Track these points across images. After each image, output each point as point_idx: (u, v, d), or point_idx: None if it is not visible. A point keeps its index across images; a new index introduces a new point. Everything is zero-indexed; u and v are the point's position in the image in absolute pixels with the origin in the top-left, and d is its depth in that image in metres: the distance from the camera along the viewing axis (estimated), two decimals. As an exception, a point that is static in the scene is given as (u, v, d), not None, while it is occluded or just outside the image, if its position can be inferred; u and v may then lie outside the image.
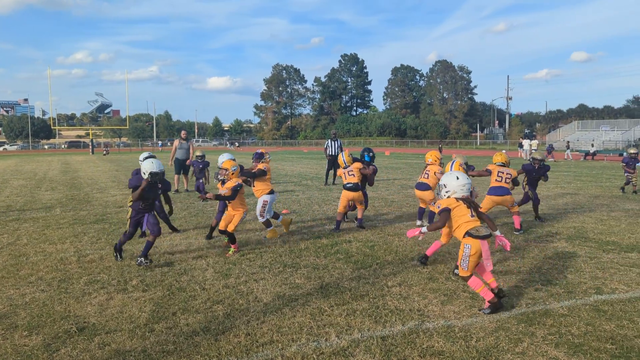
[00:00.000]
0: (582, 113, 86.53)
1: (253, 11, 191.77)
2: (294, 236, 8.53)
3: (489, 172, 9.01)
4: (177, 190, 15.19)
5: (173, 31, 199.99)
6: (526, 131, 70.02)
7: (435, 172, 9.10)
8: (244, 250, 7.52)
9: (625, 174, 15.02)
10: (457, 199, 5.12)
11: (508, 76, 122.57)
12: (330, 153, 17.44)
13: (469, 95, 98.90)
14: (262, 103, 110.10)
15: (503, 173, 8.82)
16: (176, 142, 15.60)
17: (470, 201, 5.16)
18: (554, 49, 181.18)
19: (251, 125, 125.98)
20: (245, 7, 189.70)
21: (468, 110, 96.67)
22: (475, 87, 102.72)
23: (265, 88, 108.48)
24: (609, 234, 8.60)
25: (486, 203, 8.84)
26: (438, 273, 6.28)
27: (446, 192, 5.22)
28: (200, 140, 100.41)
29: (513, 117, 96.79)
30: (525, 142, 39.47)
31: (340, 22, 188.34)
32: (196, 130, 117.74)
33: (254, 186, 8.67)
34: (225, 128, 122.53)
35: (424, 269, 6.43)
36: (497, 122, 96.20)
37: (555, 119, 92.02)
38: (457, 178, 5.17)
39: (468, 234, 4.96)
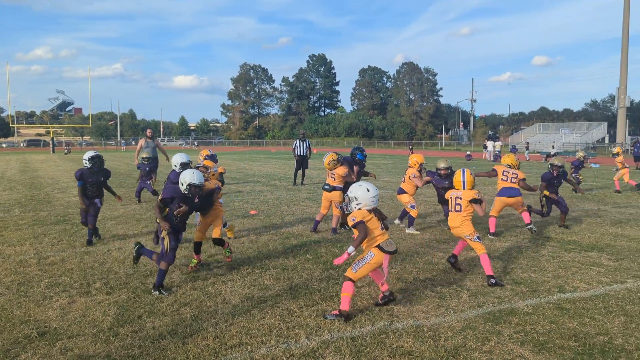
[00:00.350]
0: (543, 115, 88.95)
1: (220, 9, 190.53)
2: (263, 237, 8.47)
3: (495, 173, 9.12)
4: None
5: (138, 28, 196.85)
6: (490, 133, 71.47)
7: (409, 176, 9.08)
8: (212, 252, 7.41)
9: (573, 175, 15.82)
10: (369, 211, 4.96)
11: (472, 79, 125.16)
12: (298, 153, 17.38)
13: (435, 97, 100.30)
14: (230, 102, 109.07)
15: (508, 173, 8.86)
16: (142, 141, 15.23)
17: (379, 213, 5.05)
18: (517, 53, 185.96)
19: (218, 125, 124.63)
20: (212, 6, 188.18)
21: (434, 111, 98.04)
22: (441, 89, 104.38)
23: (233, 87, 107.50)
24: (570, 234, 8.85)
25: (497, 204, 8.91)
26: (407, 273, 6.33)
27: (357, 204, 4.96)
28: (166, 139, 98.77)
29: (477, 119, 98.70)
30: (489, 144, 40.29)
31: (308, 22, 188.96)
32: (161, 130, 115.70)
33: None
34: (192, 127, 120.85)
35: (392, 269, 6.46)
36: (462, 123, 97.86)
37: (518, 121, 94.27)
38: (368, 190, 4.98)
39: (379, 247, 4.91)
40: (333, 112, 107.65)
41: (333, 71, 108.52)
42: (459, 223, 6.10)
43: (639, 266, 6.69)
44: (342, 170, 8.73)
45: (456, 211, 6.17)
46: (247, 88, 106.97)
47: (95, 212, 8.02)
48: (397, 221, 9.71)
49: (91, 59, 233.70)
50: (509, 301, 5.27)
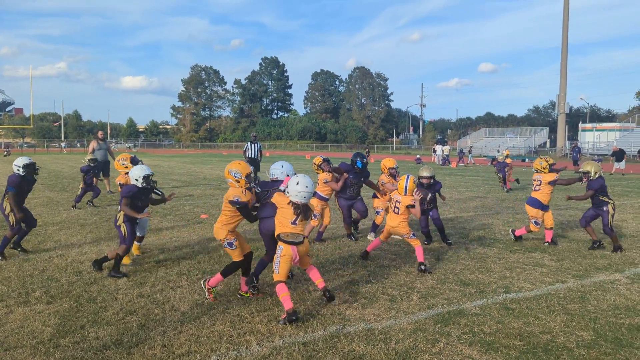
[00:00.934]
0: (489, 121, 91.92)
1: (171, 9, 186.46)
2: (214, 242, 8.32)
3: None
4: (110, 191, 14.83)
5: (84, 26, 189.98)
6: (439, 137, 73.34)
7: (379, 181, 8.58)
8: (160, 257, 7.22)
9: (499, 174, 17.64)
10: (290, 202, 5.00)
11: (422, 84, 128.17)
12: (249, 156, 17.22)
13: (386, 102, 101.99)
14: (180, 104, 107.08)
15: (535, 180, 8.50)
16: (94, 144, 14.72)
17: (302, 210, 5.01)
18: (464, 60, 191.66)
19: (168, 127, 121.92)
20: (163, 5, 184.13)
21: (385, 116, 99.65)
22: (392, 94, 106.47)
23: (184, 89, 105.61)
24: (515, 235, 9.13)
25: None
26: (358, 276, 6.35)
27: (287, 193, 5.06)
28: (114, 141, 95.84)
29: (427, 124, 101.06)
30: (438, 148, 41.26)
31: (261, 25, 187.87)
32: (109, 131, 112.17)
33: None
34: (140, 129, 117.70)
35: (345, 272, 6.48)
36: (412, 128, 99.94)
37: (465, 125, 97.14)
38: (297, 183, 4.99)
39: (278, 236, 5.01)
40: (286, 115, 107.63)
41: (286, 74, 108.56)
42: (397, 224, 6.73)
43: (578, 266, 6.98)
44: (324, 176, 8.27)
45: (395, 213, 6.80)
46: (199, 90, 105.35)
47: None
48: (369, 236, 8.87)
49: (33, 57, 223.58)
50: (458, 302, 5.38)
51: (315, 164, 8.40)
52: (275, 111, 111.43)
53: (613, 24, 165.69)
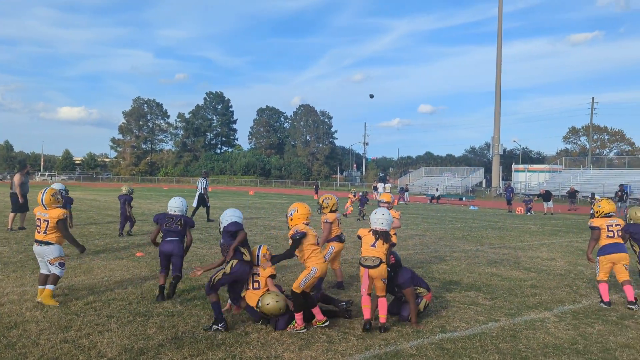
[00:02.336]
0: (429, 160, 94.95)
1: (114, 41, 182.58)
2: (148, 282, 8.01)
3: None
4: (11, 229, 13.77)
5: (21, 54, 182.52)
6: (381, 175, 74.97)
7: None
8: (90, 299, 6.85)
9: (360, 207, 20.84)
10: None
11: (365, 123, 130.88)
12: (200, 191, 18.27)
13: (330, 139, 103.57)
14: (120, 137, 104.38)
15: (612, 226, 7.51)
16: (20, 177, 14.15)
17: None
18: (405, 101, 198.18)
19: (106, 160, 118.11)
20: (106, 37, 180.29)
21: (329, 153, 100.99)
22: (336, 131, 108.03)
23: (125, 121, 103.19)
24: (451, 274, 9.35)
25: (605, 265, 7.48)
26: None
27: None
28: (47, 174, 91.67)
29: (369, 162, 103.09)
30: (380, 185, 42.13)
31: (207, 60, 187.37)
32: (42, 163, 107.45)
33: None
34: (77, 162, 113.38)
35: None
36: (355, 165, 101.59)
37: (406, 164, 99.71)
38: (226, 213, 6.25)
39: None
40: (230, 150, 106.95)
41: (231, 109, 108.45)
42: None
43: (510, 304, 7.20)
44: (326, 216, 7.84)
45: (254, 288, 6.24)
46: (140, 122, 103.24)
47: None
48: None
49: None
50: (395, 343, 5.39)
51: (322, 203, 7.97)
52: (219, 146, 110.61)
53: (542, 72, 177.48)
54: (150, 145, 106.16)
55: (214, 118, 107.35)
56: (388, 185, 41.64)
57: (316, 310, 5.81)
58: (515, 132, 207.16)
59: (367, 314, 5.82)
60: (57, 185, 11.07)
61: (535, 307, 7.12)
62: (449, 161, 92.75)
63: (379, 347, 5.24)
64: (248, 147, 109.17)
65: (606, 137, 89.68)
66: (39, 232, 6.79)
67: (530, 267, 10.36)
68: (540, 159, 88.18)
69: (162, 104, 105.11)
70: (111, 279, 8.13)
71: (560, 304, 7.36)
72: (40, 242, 6.76)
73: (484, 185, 66.63)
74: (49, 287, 6.63)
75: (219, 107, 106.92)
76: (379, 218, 6.09)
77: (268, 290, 5.98)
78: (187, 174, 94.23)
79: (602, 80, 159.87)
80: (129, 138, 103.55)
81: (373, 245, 5.91)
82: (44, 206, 6.82)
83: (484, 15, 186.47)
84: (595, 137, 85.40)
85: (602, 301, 7.39)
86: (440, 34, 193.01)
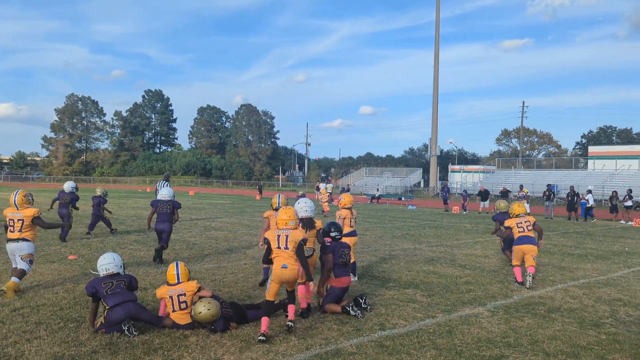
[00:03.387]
0: (369, 160, 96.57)
1: (47, 35, 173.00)
2: (81, 285, 7.67)
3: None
4: None
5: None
6: (322, 175, 75.55)
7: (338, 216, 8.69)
8: (17, 304, 6.49)
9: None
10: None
11: (307, 124, 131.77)
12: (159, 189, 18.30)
13: (272, 139, 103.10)
14: (53, 135, 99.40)
15: (522, 223, 8.83)
16: None
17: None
18: (346, 102, 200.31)
19: (38, 159, 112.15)
20: (38, 30, 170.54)
21: (271, 153, 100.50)
22: (278, 132, 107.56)
23: (57, 119, 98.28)
24: (390, 272, 9.55)
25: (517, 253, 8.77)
26: (237, 318, 6.19)
27: None
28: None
29: (312, 162, 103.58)
30: (322, 186, 42.34)
31: (146, 57, 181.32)
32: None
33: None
34: (5, 160, 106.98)
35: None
36: (297, 165, 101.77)
37: (348, 164, 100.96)
38: None
39: None
40: (169, 150, 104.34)
41: (170, 108, 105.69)
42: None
43: (446, 301, 7.44)
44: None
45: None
46: (74, 120, 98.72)
47: None
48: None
49: None
50: (335, 342, 5.44)
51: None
52: (159, 145, 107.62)
53: (476, 76, 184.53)
54: (85, 144, 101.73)
55: (153, 117, 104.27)
56: (330, 186, 41.94)
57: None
58: (452, 133, 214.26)
59: (303, 303, 6.41)
60: (68, 185, 13.60)
61: (470, 302, 7.39)
62: (389, 162, 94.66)
63: (320, 347, 5.27)
64: (188, 146, 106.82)
65: (535, 140, 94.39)
66: (12, 232, 7.32)
67: (465, 264, 10.75)
68: (475, 160, 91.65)
69: (97, 102, 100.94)
70: (41, 284, 7.74)
71: (493, 299, 7.68)
72: (14, 240, 7.27)
73: (422, 185, 68.45)
74: (14, 279, 6.99)
75: (158, 105, 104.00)
76: (303, 207, 6.91)
77: (200, 298, 5.80)
78: (125, 174, 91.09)
79: (531, 85, 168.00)
80: (62, 136, 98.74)
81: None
82: (16, 207, 7.41)
83: (423, 20, 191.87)
84: (525, 139, 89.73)
85: (516, 281, 8.74)
86: (380, 37, 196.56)
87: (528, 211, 10.39)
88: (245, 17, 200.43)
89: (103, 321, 5.47)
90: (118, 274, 5.88)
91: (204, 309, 5.48)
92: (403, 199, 42.12)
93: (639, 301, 7.79)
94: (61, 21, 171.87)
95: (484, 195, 29.88)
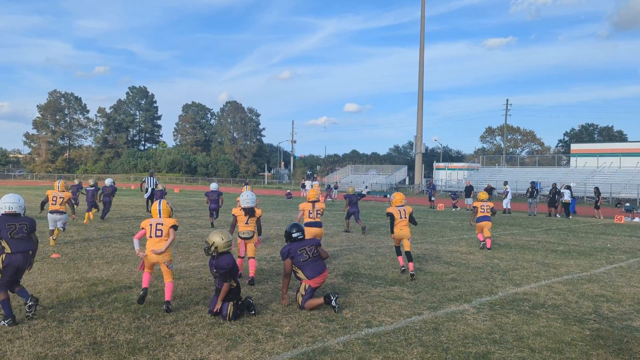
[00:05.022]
0: (355, 158, 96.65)
1: (28, 30, 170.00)
2: (65, 284, 7.57)
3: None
4: None
5: None
6: (308, 172, 75.54)
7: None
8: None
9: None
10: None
11: (293, 121, 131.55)
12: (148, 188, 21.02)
13: (258, 137, 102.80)
14: (35, 132, 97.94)
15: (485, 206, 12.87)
16: None
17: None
18: (331, 99, 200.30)
19: (20, 156, 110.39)
20: (18, 25, 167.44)
21: (257, 150, 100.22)
22: (264, 129, 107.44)
23: (39, 115, 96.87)
24: (377, 269, 9.57)
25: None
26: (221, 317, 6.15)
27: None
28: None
29: (297, 159, 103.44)
30: (307, 183, 42.35)
31: (130, 53, 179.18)
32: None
33: None
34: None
35: (207, 314, 6.23)
36: (283, 163, 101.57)
37: (333, 162, 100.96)
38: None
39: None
40: (154, 147, 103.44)
41: (155, 105, 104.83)
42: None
43: (433, 298, 7.47)
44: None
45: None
46: (57, 117, 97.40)
47: None
48: None
49: None
50: (322, 340, 5.43)
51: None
52: (143, 142, 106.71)
53: (460, 75, 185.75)
54: (68, 141, 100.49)
55: (137, 113, 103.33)
56: (315, 183, 41.97)
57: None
58: (436, 131, 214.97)
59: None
60: (109, 181, 18.40)
61: (455, 299, 7.43)
62: (374, 159, 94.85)
63: (307, 345, 5.25)
64: (173, 143, 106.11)
65: (519, 137, 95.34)
66: (54, 205, 11.57)
67: (451, 261, 10.81)
68: (459, 157, 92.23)
69: (80, 98, 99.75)
70: (23, 283, 7.59)
71: (478, 295, 7.73)
72: (56, 212, 11.55)
73: (407, 182, 68.74)
74: (60, 228, 11.72)
75: (143, 102, 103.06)
76: (245, 199, 8.26)
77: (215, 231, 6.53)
78: (109, 171, 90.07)
79: (515, 83, 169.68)
80: (44, 133, 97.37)
81: (247, 223, 8.14)
82: (59, 189, 11.93)
83: (407, 18, 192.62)
84: (509, 137, 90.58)
85: (480, 242, 12.81)
86: (366, 35, 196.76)
87: (508, 206, 13.40)
88: (230, 14, 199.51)
89: (1, 264, 5.77)
90: (19, 215, 6.11)
91: (219, 238, 6.26)
92: (388, 196, 42.27)
93: (622, 297, 7.90)
94: (43, 16, 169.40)
95: (467, 191, 30.09)
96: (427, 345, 5.38)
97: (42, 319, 5.84)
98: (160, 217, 6.80)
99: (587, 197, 40.65)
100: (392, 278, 8.78)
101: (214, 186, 17.46)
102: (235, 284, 6.22)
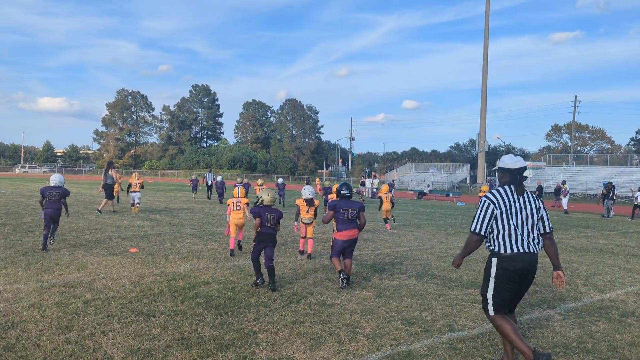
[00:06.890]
0: (414, 156, 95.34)
1: (98, 31, 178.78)
2: (146, 278, 7.84)
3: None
4: (100, 211, 17.35)
5: (0, 43, 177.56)
6: (367, 170, 75.17)
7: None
8: (88, 296, 6.68)
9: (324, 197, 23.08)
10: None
11: (351, 118, 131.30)
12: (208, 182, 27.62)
13: (316, 134, 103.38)
14: (104, 129, 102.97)
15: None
16: (115, 172, 17.93)
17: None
18: (389, 96, 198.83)
19: (89, 152, 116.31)
20: (89, 27, 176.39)
21: (315, 148, 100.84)
22: (322, 126, 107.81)
23: (108, 113, 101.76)
24: (450, 271, 9.33)
25: None
26: (303, 316, 6.17)
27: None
28: (27, 166, 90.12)
29: (355, 157, 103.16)
30: (368, 181, 42.09)
31: (193, 52, 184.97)
32: (22, 155, 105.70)
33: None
34: (58, 153, 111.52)
35: (287, 311, 6.27)
36: (340, 160, 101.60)
37: (392, 159, 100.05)
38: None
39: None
40: (216, 144, 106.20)
41: (217, 102, 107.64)
42: None
43: (514, 303, 7.18)
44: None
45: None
46: (124, 115, 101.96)
47: None
48: None
49: None
50: (405, 343, 5.33)
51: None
52: (205, 139, 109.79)
53: (525, 71, 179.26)
54: (134, 138, 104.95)
55: (200, 111, 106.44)
56: (376, 181, 41.66)
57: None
58: (498, 129, 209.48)
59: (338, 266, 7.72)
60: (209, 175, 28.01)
61: (538, 305, 7.13)
62: (434, 157, 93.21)
63: (391, 347, 5.17)
64: (234, 140, 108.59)
65: (587, 135, 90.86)
66: (135, 187, 18.07)
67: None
68: (523, 155, 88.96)
69: (146, 96, 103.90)
70: (108, 276, 7.94)
71: (562, 302, 7.38)
72: (134, 192, 18.05)
73: (468, 181, 67.09)
74: (137, 203, 18.01)
75: (205, 100, 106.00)
76: (306, 192, 10.15)
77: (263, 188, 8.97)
78: (172, 167, 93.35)
79: (582, 79, 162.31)
80: (112, 130, 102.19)
81: (307, 212, 10.12)
82: (136, 178, 18.39)
83: (469, 13, 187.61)
84: (576, 135, 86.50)
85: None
86: (426, 31, 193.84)
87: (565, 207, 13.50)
88: (290, 12, 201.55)
89: (43, 210, 10.09)
90: (58, 186, 10.13)
91: (266, 195, 7.73)
92: (451, 195, 41.37)
93: None
94: (112, 17, 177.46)
95: (556, 191, 29.47)
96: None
97: (130, 313, 6.05)
98: (238, 197, 10.31)
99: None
100: (467, 280, 8.54)
101: (280, 181, 24.45)
102: (274, 229, 7.63)
